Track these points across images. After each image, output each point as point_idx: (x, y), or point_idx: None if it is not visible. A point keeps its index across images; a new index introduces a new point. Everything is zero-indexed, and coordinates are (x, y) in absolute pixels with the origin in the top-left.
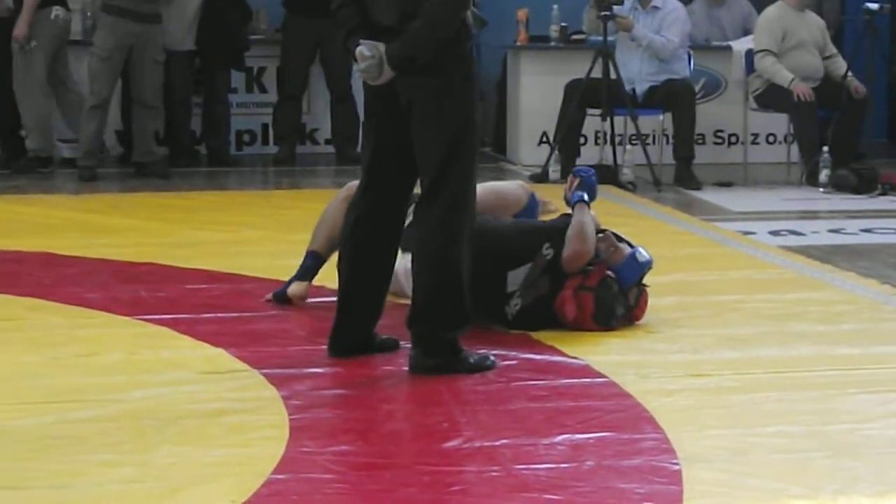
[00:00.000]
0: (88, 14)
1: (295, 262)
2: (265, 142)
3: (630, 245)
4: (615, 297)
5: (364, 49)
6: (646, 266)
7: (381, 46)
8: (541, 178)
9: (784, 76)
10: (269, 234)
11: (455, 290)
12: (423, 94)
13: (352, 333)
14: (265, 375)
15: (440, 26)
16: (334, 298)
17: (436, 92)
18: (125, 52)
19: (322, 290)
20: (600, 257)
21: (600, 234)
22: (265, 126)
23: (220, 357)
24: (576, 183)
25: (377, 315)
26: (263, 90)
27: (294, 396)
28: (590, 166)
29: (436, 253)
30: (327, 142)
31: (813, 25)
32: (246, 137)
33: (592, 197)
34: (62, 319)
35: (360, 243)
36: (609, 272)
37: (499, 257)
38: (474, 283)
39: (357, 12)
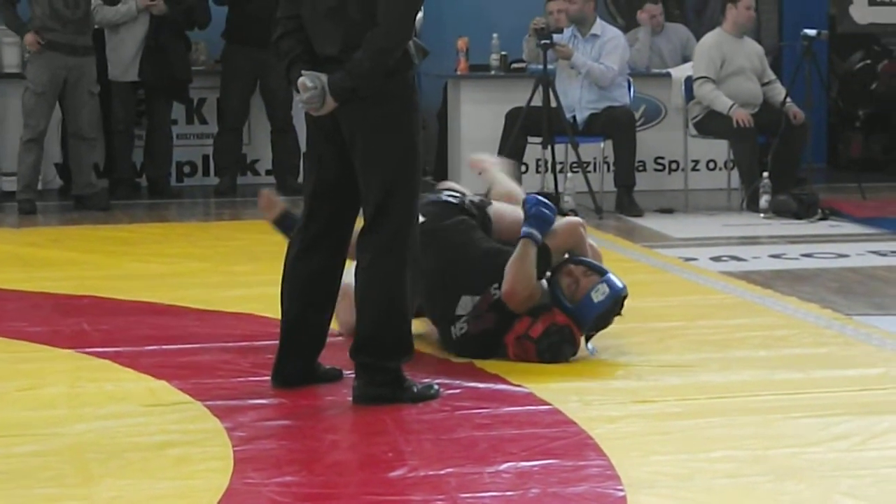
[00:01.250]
0: (26, 47)
1: (237, 293)
2: (206, 173)
3: (601, 273)
4: (560, 344)
5: (306, 80)
6: (607, 301)
7: (324, 77)
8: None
9: (723, 102)
10: (210, 265)
11: (398, 319)
12: (365, 124)
13: (295, 364)
14: (208, 407)
15: (383, 56)
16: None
17: (378, 122)
18: (59, 85)
19: (267, 323)
20: (550, 302)
21: (571, 266)
22: (206, 157)
23: (163, 389)
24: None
25: (320, 346)
26: (204, 121)
27: (238, 428)
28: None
29: (379, 282)
30: (268, 172)
31: (751, 52)
32: (186, 169)
33: (542, 227)
34: (3, 353)
35: (303, 274)
36: (557, 320)
37: (457, 277)
38: (431, 290)
39: (299, 42)
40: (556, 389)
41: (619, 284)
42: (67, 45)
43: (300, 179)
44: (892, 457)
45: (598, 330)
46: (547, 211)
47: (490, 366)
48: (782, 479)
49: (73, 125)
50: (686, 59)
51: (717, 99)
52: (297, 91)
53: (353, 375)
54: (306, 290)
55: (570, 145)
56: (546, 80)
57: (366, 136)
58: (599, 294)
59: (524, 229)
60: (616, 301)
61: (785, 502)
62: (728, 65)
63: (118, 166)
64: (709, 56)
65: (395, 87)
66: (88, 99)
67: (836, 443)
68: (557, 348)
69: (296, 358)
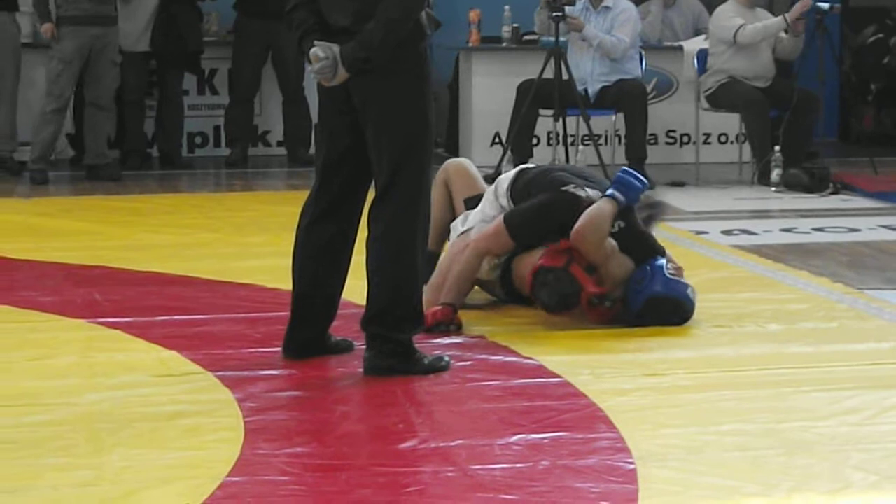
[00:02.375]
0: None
1: (248, 264)
2: (217, 144)
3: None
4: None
5: (318, 50)
6: (678, 297)
7: (336, 48)
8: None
9: (775, 21)
10: (221, 236)
11: (410, 290)
12: (377, 94)
13: (306, 335)
14: (220, 378)
15: (395, 27)
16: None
17: (390, 92)
18: (85, 55)
19: (278, 294)
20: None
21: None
22: (217, 128)
23: (175, 360)
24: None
25: (331, 317)
26: (215, 92)
27: (249, 399)
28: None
29: (389, 253)
30: (279, 143)
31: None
32: (198, 140)
33: (626, 192)
34: (15, 323)
35: (314, 245)
36: (545, 265)
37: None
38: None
39: (311, 14)
40: (567, 362)
41: (692, 297)
42: (93, 15)
43: (311, 150)
44: None
45: (642, 317)
46: (634, 180)
47: (501, 338)
48: (793, 452)
49: (93, 94)
50: (698, 33)
51: (766, 27)
52: (310, 62)
53: (364, 347)
54: (317, 261)
55: (581, 118)
56: (558, 53)
57: (378, 106)
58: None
59: (608, 191)
60: (679, 305)
61: (795, 476)
62: None
63: (130, 137)
64: (733, 15)
65: (407, 58)
66: (111, 68)
67: (846, 417)
68: (541, 288)
69: (307, 329)
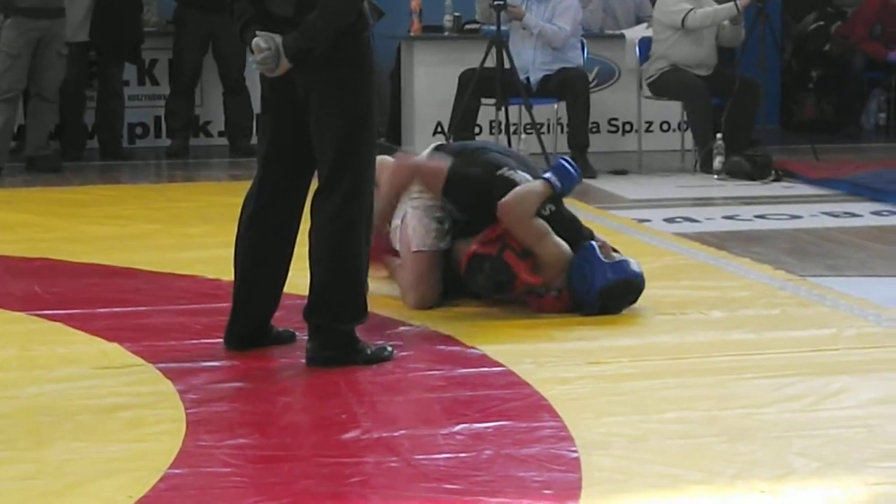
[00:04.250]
0: None
1: (189, 255)
2: (158, 135)
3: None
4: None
5: (260, 41)
6: (626, 276)
7: (278, 38)
8: None
9: (725, 6)
10: (162, 227)
11: (353, 281)
12: (320, 85)
13: (248, 326)
14: (161, 370)
15: (337, 17)
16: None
17: (333, 83)
18: (32, 47)
19: (220, 285)
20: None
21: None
22: (158, 119)
23: (116, 352)
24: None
25: (273, 307)
26: (155, 83)
27: (190, 390)
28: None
29: (333, 244)
30: (220, 134)
31: None
32: (138, 130)
33: (563, 183)
34: None
35: (257, 236)
36: (479, 252)
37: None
38: None
39: (252, 4)
40: (510, 351)
41: (638, 270)
42: (41, 8)
43: (253, 141)
44: (845, 417)
45: (604, 309)
46: (572, 170)
47: (444, 327)
48: (735, 439)
49: (37, 86)
50: (640, 21)
51: (716, 11)
52: (252, 52)
53: (307, 337)
54: (259, 252)
55: (523, 107)
56: (499, 42)
57: (321, 96)
58: (623, 266)
59: (545, 174)
60: (630, 284)
61: (738, 463)
62: None
63: (69, 128)
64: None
65: (350, 47)
66: (56, 60)
67: (789, 403)
68: (474, 274)
69: (248, 320)
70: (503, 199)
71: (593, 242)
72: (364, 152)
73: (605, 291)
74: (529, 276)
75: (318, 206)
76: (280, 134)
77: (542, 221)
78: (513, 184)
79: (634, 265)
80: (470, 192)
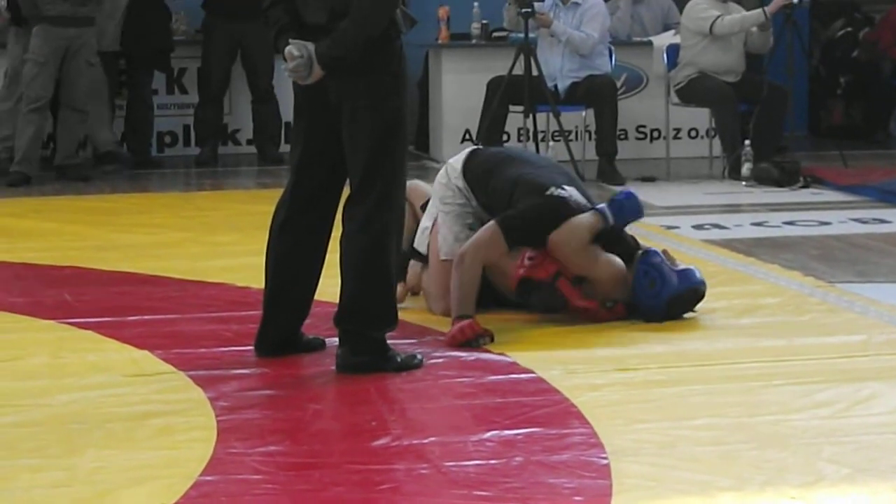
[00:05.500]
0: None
1: (219, 263)
2: (187, 143)
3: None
4: (530, 295)
5: (293, 49)
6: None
7: (311, 46)
8: None
9: (754, 13)
10: (192, 235)
11: (383, 288)
12: (353, 92)
13: (278, 334)
14: (191, 377)
15: (369, 25)
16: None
17: (366, 90)
18: (60, 55)
19: (249, 293)
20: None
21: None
22: (186, 127)
23: (146, 359)
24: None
25: (304, 315)
26: (184, 91)
27: (221, 398)
28: None
29: (364, 251)
30: (249, 142)
31: None
32: (168, 139)
33: (617, 217)
34: None
35: (288, 243)
36: (532, 277)
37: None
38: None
39: (287, 12)
40: (540, 358)
41: (701, 277)
42: (69, 17)
43: (282, 149)
44: (875, 423)
45: (670, 316)
46: (633, 206)
47: None
48: (765, 446)
49: (68, 96)
50: (667, 28)
51: (744, 18)
52: (285, 60)
53: (337, 344)
54: (290, 258)
55: (551, 114)
56: (527, 49)
57: (353, 105)
58: (689, 275)
59: (600, 206)
60: (697, 291)
61: (768, 469)
62: None
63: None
64: (707, 7)
65: (382, 56)
66: (86, 69)
67: (818, 410)
68: (526, 295)
69: (279, 327)
70: (554, 235)
71: (657, 250)
72: (396, 160)
73: (674, 299)
74: (583, 302)
75: (350, 213)
76: (313, 141)
77: (592, 247)
78: (566, 204)
79: (698, 272)
80: (524, 228)
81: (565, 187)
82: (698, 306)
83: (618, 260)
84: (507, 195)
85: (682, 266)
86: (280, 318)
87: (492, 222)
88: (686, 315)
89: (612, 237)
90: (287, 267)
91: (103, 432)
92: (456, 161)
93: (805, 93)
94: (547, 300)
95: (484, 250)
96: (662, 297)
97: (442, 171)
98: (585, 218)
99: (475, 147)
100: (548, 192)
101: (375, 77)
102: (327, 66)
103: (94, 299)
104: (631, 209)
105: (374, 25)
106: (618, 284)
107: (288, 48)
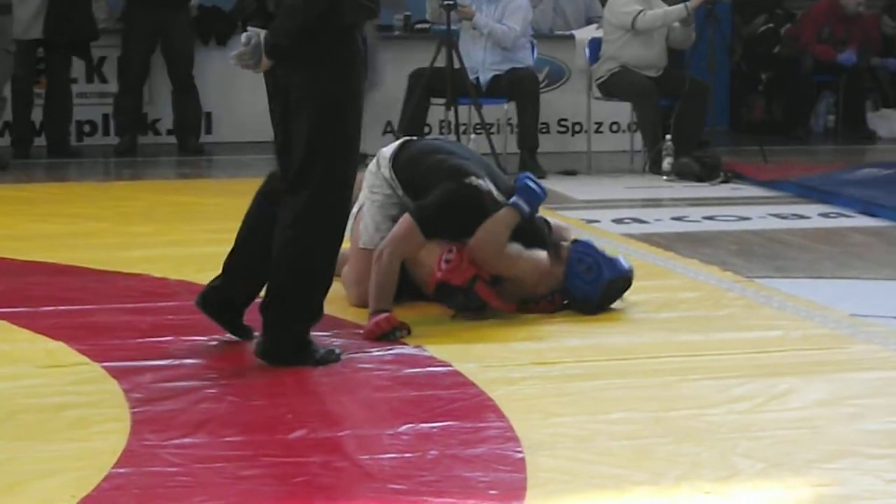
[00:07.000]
0: None
1: (136, 254)
2: (106, 132)
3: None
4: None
5: (243, 36)
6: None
7: (263, 33)
8: None
9: (676, 8)
10: (109, 225)
11: (312, 284)
12: (296, 77)
13: (225, 295)
14: (106, 368)
15: (295, 14)
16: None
17: (307, 79)
18: None
19: (166, 284)
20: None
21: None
22: (106, 116)
23: (60, 350)
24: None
25: (256, 287)
26: (104, 80)
27: (136, 389)
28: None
29: (293, 242)
30: (169, 132)
31: None
32: (86, 128)
33: (531, 206)
34: None
35: (262, 214)
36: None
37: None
38: None
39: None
40: (457, 351)
41: (629, 264)
42: None
43: (201, 139)
44: (790, 419)
45: (600, 306)
46: (537, 188)
47: None
48: (681, 440)
49: None
50: (590, 21)
51: (666, 13)
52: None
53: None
54: (261, 229)
55: (473, 107)
56: (449, 41)
57: (297, 88)
58: (620, 262)
59: (512, 199)
60: (627, 280)
61: (683, 464)
62: None
63: (17, 125)
64: (629, 1)
65: (324, 44)
66: (4, 57)
67: (735, 404)
68: (443, 298)
69: (230, 287)
70: (473, 241)
71: (588, 240)
72: (335, 147)
73: (610, 285)
74: (501, 304)
75: (283, 203)
76: (279, 128)
77: (512, 245)
78: (481, 194)
79: (625, 260)
80: (438, 219)
81: (485, 180)
82: (622, 296)
83: (539, 254)
84: (426, 184)
85: (609, 255)
86: (235, 281)
87: (406, 215)
88: (608, 307)
89: (529, 226)
90: (256, 235)
91: (15, 423)
92: (387, 150)
93: (726, 88)
94: (466, 303)
95: (401, 246)
96: (599, 284)
97: (373, 161)
98: (500, 216)
99: (408, 138)
100: (466, 181)
101: (318, 65)
102: (269, 53)
103: (7, 289)
104: (539, 193)
105: (301, 14)
106: (542, 279)
107: (242, 35)
